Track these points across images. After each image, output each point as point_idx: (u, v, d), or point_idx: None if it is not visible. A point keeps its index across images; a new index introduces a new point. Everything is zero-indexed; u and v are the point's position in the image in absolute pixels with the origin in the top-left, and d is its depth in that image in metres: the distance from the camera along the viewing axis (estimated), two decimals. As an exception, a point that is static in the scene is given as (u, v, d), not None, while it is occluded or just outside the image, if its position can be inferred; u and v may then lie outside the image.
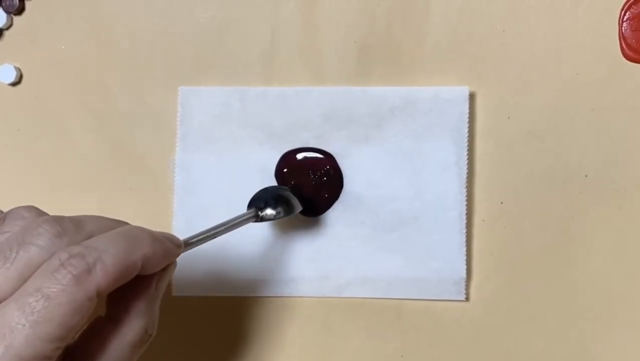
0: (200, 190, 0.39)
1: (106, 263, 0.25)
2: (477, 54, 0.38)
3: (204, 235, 0.32)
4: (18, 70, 0.40)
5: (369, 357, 0.39)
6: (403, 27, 0.39)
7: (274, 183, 0.39)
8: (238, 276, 0.39)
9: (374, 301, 0.39)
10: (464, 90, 0.38)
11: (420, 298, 0.38)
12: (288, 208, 0.36)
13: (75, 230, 0.27)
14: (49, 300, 0.24)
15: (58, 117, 0.40)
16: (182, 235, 0.38)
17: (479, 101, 0.38)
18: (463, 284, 0.38)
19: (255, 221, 0.36)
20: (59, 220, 0.27)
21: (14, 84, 0.41)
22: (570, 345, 0.38)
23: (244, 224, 0.35)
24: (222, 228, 0.33)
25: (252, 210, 0.36)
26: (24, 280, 0.25)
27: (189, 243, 0.31)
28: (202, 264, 0.38)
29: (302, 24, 0.39)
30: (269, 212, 0.36)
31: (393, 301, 0.38)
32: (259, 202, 0.36)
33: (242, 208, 0.38)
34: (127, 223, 0.29)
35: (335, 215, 0.38)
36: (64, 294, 0.24)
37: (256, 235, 0.39)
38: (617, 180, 0.38)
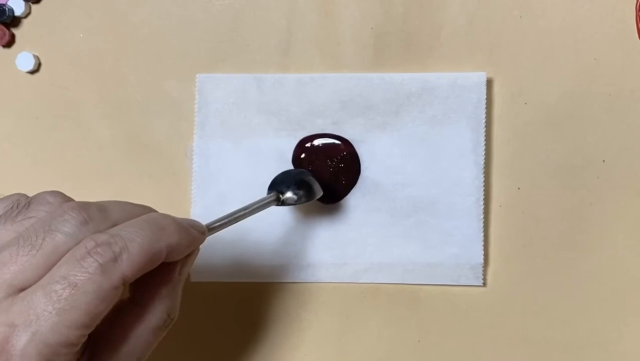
0: (218, 177, 0.39)
1: (132, 252, 0.25)
2: (494, 40, 0.38)
3: (225, 220, 0.32)
4: (36, 58, 0.41)
5: (385, 342, 0.39)
6: (420, 14, 0.39)
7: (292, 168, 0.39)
8: (255, 262, 0.39)
9: (391, 287, 0.39)
10: (481, 77, 0.38)
11: (438, 283, 0.38)
12: (309, 193, 0.36)
13: (101, 217, 0.27)
14: (76, 288, 0.24)
15: (76, 105, 0.41)
16: (200, 221, 0.38)
17: (496, 87, 0.38)
18: (480, 269, 0.38)
19: (277, 205, 0.36)
20: (85, 206, 0.27)
21: (32, 72, 0.41)
22: (588, 330, 0.38)
23: (265, 208, 0.35)
24: (244, 212, 0.33)
25: (273, 193, 0.36)
26: (49, 266, 0.25)
27: (211, 229, 0.31)
28: (220, 250, 0.39)
29: (318, 11, 0.39)
30: (290, 195, 0.36)
31: (410, 287, 0.39)
32: (280, 185, 0.36)
33: (259, 195, 0.38)
34: (152, 209, 0.29)
35: (352, 201, 0.39)
36: (90, 282, 0.24)
37: (274, 222, 0.39)
38: (634, 165, 0.38)
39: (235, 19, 0.40)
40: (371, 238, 0.38)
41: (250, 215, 0.34)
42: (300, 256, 0.39)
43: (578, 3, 0.38)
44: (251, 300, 0.39)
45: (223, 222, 0.32)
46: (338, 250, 0.39)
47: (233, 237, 0.38)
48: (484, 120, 0.38)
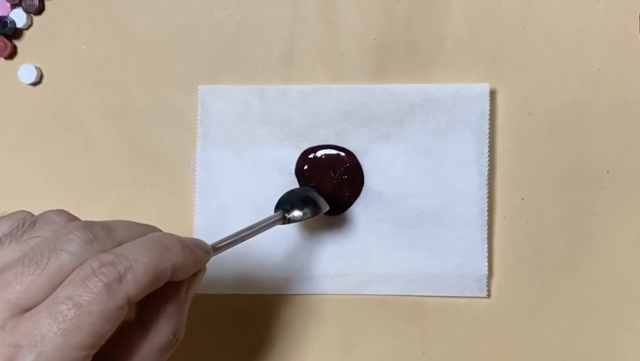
0: (221, 187, 0.39)
1: (137, 271, 0.25)
2: (497, 50, 0.38)
3: (231, 239, 0.32)
4: (38, 70, 0.41)
5: (390, 354, 0.39)
6: (422, 24, 0.39)
7: (294, 180, 0.39)
8: (259, 274, 0.39)
9: (396, 298, 0.39)
10: (484, 87, 0.38)
11: (442, 295, 0.38)
12: (315, 209, 0.36)
13: (106, 236, 0.27)
14: (81, 308, 0.24)
15: (79, 117, 0.41)
16: (203, 232, 0.38)
17: (499, 98, 0.38)
18: (485, 281, 0.38)
19: (283, 223, 0.36)
20: (89, 225, 0.27)
21: (34, 84, 0.41)
22: (592, 341, 0.38)
23: (271, 227, 0.35)
24: (250, 231, 0.33)
25: (279, 212, 0.36)
26: (55, 286, 0.25)
27: (217, 248, 0.31)
28: (224, 263, 0.39)
29: (321, 22, 0.39)
30: (296, 213, 0.36)
31: (414, 298, 0.38)
32: (285, 204, 0.36)
33: (262, 206, 0.38)
34: (157, 229, 0.29)
35: (356, 212, 0.38)
36: (95, 303, 0.24)
37: (277, 234, 0.39)
38: (639, 175, 0.38)
39: (238, 30, 0.40)
40: (375, 249, 0.38)
41: (256, 235, 0.34)
42: (304, 268, 0.39)
43: (581, 13, 0.38)
44: (255, 312, 0.39)
45: (229, 241, 0.32)
46: (342, 262, 0.38)
47: (237, 249, 0.38)
48: (487, 131, 0.38)
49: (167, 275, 0.27)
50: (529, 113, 0.38)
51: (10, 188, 0.41)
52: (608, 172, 0.38)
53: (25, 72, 0.40)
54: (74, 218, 0.28)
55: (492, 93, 0.38)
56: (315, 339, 0.39)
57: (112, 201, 0.40)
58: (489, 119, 0.38)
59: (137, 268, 0.25)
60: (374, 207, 0.38)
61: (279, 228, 0.38)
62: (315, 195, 0.37)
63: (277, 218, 0.35)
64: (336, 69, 0.39)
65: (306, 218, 0.36)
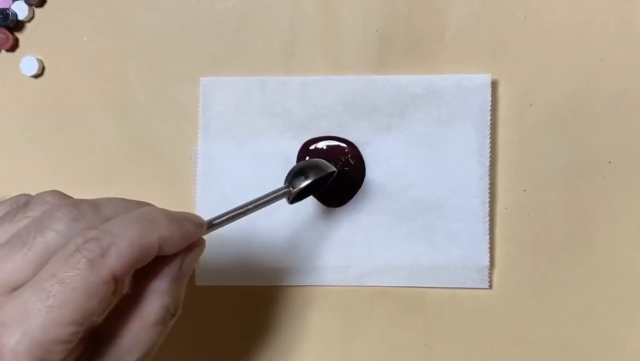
0: (222, 179, 0.39)
1: (121, 246, 0.25)
2: (498, 41, 0.38)
3: (231, 214, 0.31)
4: (40, 62, 0.41)
5: (391, 345, 0.39)
6: (424, 15, 0.39)
7: (295, 172, 0.39)
8: (260, 265, 0.39)
9: (397, 290, 0.39)
10: (486, 78, 0.38)
11: (443, 286, 0.38)
12: (318, 172, 0.35)
13: (93, 213, 0.26)
14: (64, 284, 0.24)
15: (80, 109, 0.41)
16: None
17: (501, 89, 0.38)
18: (486, 272, 0.38)
19: (288, 197, 0.35)
20: (77, 203, 0.27)
21: (36, 76, 0.41)
22: (594, 332, 0.38)
23: (273, 202, 0.34)
24: (250, 206, 0.32)
25: (284, 186, 0.35)
26: (41, 264, 0.25)
27: (215, 224, 0.31)
28: (224, 254, 0.39)
29: (321, 13, 0.39)
30: (298, 182, 0.35)
31: (416, 290, 0.38)
32: (289, 176, 0.35)
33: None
34: (148, 204, 0.29)
35: (357, 203, 0.38)
36: (79, 278, 0.24)
37: (278, 225, 0.39)
38: (641, 166, 0.37)
39: (239, 21, 0.40)
40: (376, 240, 0.38)
41: (257, 210, 0.33)
42: (305, 259, 0.39)
43: (583, 4, 0.38)
44: (256, 303, 0.39)
45: (227, 216, 0.31)
46: (343, 253, 0.38)
47: (237, 240, 0.38)
48: (489, 122, 0.38)
49: (154, 248, 0.26)
50: (531, 104, 0.38)
51: (11, 180, 0.41)
52: (610, 162, 0.38)
53: (27, 65, 0.41)
54: (66, 198, 0.28)
55: (494, 84, 0.38)
56: (316, 331, 0.39)
57: (114, 193, 0.40)
58: (491, 110, 0.38)
59: (121, 242, 0.25)
60: (376, 199, 0.38)
61: (279, 220, 0.38)
62: (320, 162, 0.36)
63: (280, 192, 0.34)
64: (337, 60, 0.39)
65: (311, 185, 0.35)
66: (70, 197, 0.28)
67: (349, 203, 0.39)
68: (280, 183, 0.38)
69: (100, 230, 0.25)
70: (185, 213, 0.29)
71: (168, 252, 0.28)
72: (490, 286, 0.38)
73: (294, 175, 0.35)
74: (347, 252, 0.38)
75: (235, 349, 0.39)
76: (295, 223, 0.39)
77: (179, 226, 0.28)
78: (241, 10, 0.40)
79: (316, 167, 0.36)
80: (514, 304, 0.38)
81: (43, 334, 0.24)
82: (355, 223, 0.38)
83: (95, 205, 0.27)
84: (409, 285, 0.38)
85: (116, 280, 0.25)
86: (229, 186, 0.39)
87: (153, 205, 0.29)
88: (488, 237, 0.37)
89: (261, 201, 0.33)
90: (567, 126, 0.38)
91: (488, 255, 0.37)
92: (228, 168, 0.39)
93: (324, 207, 0.39)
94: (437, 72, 0.38)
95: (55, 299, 0.24)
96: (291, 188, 0.35)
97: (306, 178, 0.35)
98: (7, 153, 0.41)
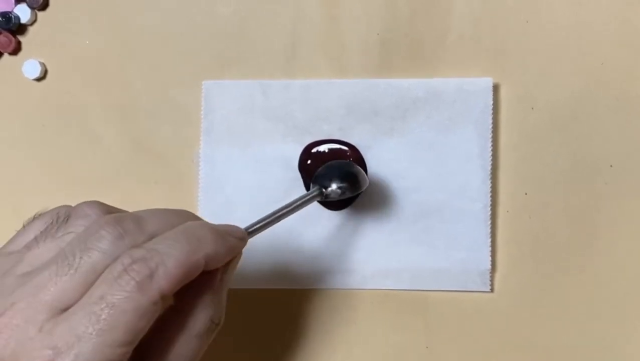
0: (225, 183, 0.39)
1: (169, 266, 0.25)
2: (500, 45, 0.38)
3: (267, 220, 0.31)
4: (43, 65, 0.41)
5: (394, 348, 0.39)
6: (425, 19, 0.39)
7: (298, 175, 0.39)
8: (262, 268, 0.39)
9: (399, 293, 0.39)
10: (487, 82, 0.38)
11: (445, 289, 0.38)
12: (354, 185, 0.35)
13: (136, 229, 0.26)
14: (114, 307, 0.24)
15: (83, 112, 0.41)
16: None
17: (502, 92, 0.38)
18: (488, 275, 0.38)
19: (320, 200, 0.35)
20: (119, 220, 0.26)
21: (38, 79, 0.41)
22: (596, 335, 0.38)
23: (307, 205, 0.34)
24: (285, 210, 0.32)
25: (316, 188, 0.35)
26: (89, 285, 0.25)
27: (251, 232, 0.31)
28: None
29: (323, 17, 0.39)
30: (334, 188, 0.35)
31: (418, 293, 0.39)
32: (323, 179, 0.35)
33: (266, 201, 0.38)
34: (189, 213, 0.29)
35: (359, 207, 0.39)
36: (128, 301, 0.24)
37: (280, 231, 0.38)
38: (642, 170, 0.38)
39: (241, 25, 0.40)
40: (378, 243, 0.38)
41: (291, 214, 0.33)
42: (307, 263, 0.39)
43: (585, 7, 0.38)
44: (258, 306, 0.39)
45: (264, 222, 0.31)
46: (345, 256, 0.39)
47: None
48: (490, 125, 0.38)
49: (200, 266, 0.26)
50: (532, 108, 0.38)
51: (14, 183, 0.41)
52: (611, 166, 0.38)
53: (30, 68, 0.41)
54: (107, 209, 0.28)
55: (496, 88, 0.38)
56: (319, 333, 0.39)
57: (116, 197, 0.40)
58: (492, 114, 0.38)
59: (168, 262, 0.25)
60: (377, 202, 0.38)
61: (282, 225, 0.38)
62: (356, 169, 0.36)
63: (313, 194, 0.34)
64: (339, 64, 0.39)
65: (345, 196, 0.35)
66: (109, 207, 0.29)
67: (351, 207, 0.39)
68: (281, 186, 0.38)
69: (147, 250, 0.25)
70: (227, 226, 0.29)
71: (213, 267, 0.28)
72: (492, 290, 0.38)
73: (330, 178, 0.35)
74: (349, 255, 0.38)
75: (237, 351, 0.39)
76: (298, 227, 0.39)
77: (224, 242, 0.28)
78: (243, 14, 0.40)
79: (354, 179, 0.35)
80: (515, 307, 0.38)
81: (95, 356, 0.24)
82: (357, 227, 0.39)
83: (138, 220, 0.27)
84: (411, 288, 0.38)
85: (164, 299, 0.25)
86: (231, 189, 0.39)
87: (196, 217, 0.29)
88: (490, 240, 0.38)
89: (294, 205, 0.33)
90: (568, 129, 0.38)
91: (490, 258, 0.38)
92: (230, 172, 0.39)
93: (326, 210, 0.39)
94: (438, 75, 0.39)
95: (106, 322, 0.24)
96: (323, 190, 0.35)
97: (340, 186, 0.35)
98: (9, 156, 0.41)
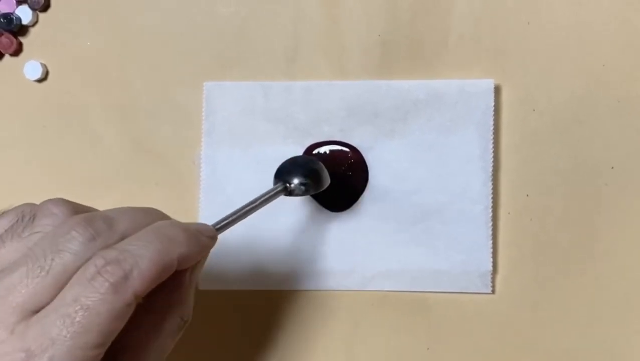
0: (226, 184, 0.39)
1: (142, 268, 0.25)
2: (501, 47, 0.38)
3: (233, 217, 0.31)
4: (44, 66, 0.41)
5: (394, 350, 0.39)
6: (426, 20, 0.39)
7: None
8: (263, 270, 0.39)
9: (399, 294, 0.39)
10: (489, 83, 0.38)
11: (446, 290, 0.38)
12: (317, 182, 0.36)
13: (107, 230, 0.26)
14: (88, 310, 0.24)
15: (84, 114, 0.41)
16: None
17: (504, 94, 0.38)
18: (489, 277, 0.38)
19: (285, 195, 0.35)
20: (90, 220, 0.26)
21: (39, 81, 0.41)
22: (596, 338, 0.38)
23: (272, 200, 0.34)
24: (250, 206, 0.32)
25: (280, 183, 0.35)
26: (60, 287, 0.25)
27: (219, 228, 0.31)
28: (226, 258, 0.39)
29: (324, 18, 0.39)
30: (297, 184, 0.35)
31: (418, 294, 0.38)
32: (287, 175, 0.35)
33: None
34: (157, 211, 0.29)
35: (360, 208, 0.39)
36: (103, 303, 0.24)
37: (281, 230, 0.39)
38: (644, 172, 0.37)
39: (242, 26, 0.40)
40: (379, 245, 0.38)
41: (257, 210, 0.33)
42: (308, 264, 0.39)
43: (586, 8, 0.38)
44: (258, 308, 0.39)
45: (230, 219, 0.31)
46: (346, 258, 0.39)
47: (240, 244, 0.38)
48: (492, 127, 0.38)
49: (173, 266, 0.26)
50: (534, 110, 0.38)
51: (14, 184, 0.41)
52: (613, 168, 0.38)
53: (31, 69, 0.41)
54: (73, 209, 0.28)
55: (497, 90, 0.38)
56: (319, 335, 0.39)
57: (116, 198, 0.40)
58: (494, 115, 0.38)
59: (142, 264, 0.25)
60: (378, 203, 0.38)
61: (281, 224, 0.38)
62: (318, 166, 0.36)
63: (277, 190, 0.34)
64: (340, 65, 0.39)
65: (309, 193, 0.35)
66: (75, 205, 0.28)
67: (351, 208, 0.39)
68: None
69: (120, 251, 0.25)
70: (198, 225, 0.29)
71: (185, 267, 0.28)
72: (493, 291, 0.38)
73: (286, 173, 0.35)
74: (350, 256, 0.38)
75: (238, 353, 0.39)
76: (298, 227, 0.39)
77: (196, 241, 0.28)
78: (244, 15, 0.40)
79: (317, 176, 0.36)
80: (516, 309, 0.38)
81: (69, 359, 0.24)
82: (358, 228, 0.38)
83: (108, 220, 0.27)
84: (411, 290, 0.38)
85: (137, 300, 0.25)
86: (232, 191, 0.39)
87: (164, 216, 0.29)
88: (491, 241, 0.38)
89: (259, 200, 0.33)
90: (570, 131, 0.38)
91: (491, 260, 0.37)
92: (231, 173, 0.39)
93: (327, 211, 0.39)
94: (440, 77, 0.38)
95: (80, 325, 0.24)
96: (287, 185, 0.35)
97: (303, 184, 0.35)
98: (10, 157, 0.41)
